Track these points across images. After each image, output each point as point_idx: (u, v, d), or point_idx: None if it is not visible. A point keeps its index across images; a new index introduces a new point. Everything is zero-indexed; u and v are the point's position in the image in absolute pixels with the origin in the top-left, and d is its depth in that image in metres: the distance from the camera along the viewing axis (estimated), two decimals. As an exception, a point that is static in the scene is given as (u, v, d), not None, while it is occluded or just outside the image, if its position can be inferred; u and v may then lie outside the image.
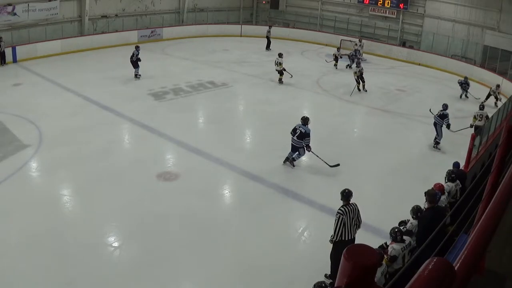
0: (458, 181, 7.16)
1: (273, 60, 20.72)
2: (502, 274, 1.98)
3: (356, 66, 16.07)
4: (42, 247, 6.68)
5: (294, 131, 9.40)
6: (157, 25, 24.27)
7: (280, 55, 16.30)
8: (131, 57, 15.73)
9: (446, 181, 7.17)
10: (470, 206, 2.55)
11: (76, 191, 8.69)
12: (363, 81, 15.87)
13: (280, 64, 16.19)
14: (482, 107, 12.19)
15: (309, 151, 9.43)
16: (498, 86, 15.95)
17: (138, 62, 15.77)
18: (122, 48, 21.28)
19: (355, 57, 19.10)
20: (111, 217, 7.74)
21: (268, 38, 22.86)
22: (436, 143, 11.29)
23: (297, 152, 9.56)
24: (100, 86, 14.85)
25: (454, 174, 7.26)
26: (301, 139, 9.27)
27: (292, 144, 9.48)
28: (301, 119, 9.49)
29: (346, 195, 5.97)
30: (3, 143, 10.34)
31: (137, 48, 15.84)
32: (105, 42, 21.24)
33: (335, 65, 19.51)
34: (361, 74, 15.76)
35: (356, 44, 21.88)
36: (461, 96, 16.22)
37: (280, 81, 16.46)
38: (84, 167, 9.35)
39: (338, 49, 20.06)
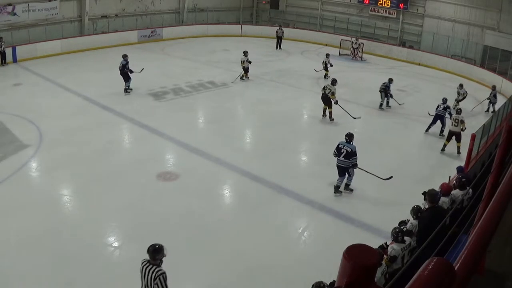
0: (470, 191, 6.30)
1: (273, 60, 20.81)
2: (502, 274, 1.98)
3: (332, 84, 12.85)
4: (42, 247, 6.68)
5: (338, 151, 8.43)
6: (157, 25, 24.28)
7: (245, 53, 16.35)
8: (122, 69, 13.99)
9: (455, 187, 6.83)
10: (470, 206, 2.55)
11: (76, 191, 8.69)
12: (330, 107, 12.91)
13: (243, 62, 16.30)
14: (459, 111, 11.17)
15: (356, 168, 8.57)
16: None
17: (130, 74, 14.11)
18: (122, 48, 21.27)
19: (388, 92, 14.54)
20: (111, 217, 7.74)
21: (279, 37, 23.14)
22: (442, 131, 12.00)
23: (347, 175, 8.62)
24: (100, 86, 14.84)
25: (466, 180, 6.67)
26: (348, 158, 8.37)
27: (338, 166, 8.51)
28: (346, 136, 8.54)
29: (151, 251, 4.64)
30: (3, 143, 10.33)
31: (125, 57, 14.07)
32: (105, 42, 21.24)
33: (326, 75, 17.58)
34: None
35: (352, 43, 21.90)
36: (488, 110, 14.67)
37: (242, 77, 16.53)
38: (84, 167, 9.35)
39: (328, 55, 17.96)
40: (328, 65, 17.71)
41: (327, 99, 12.78)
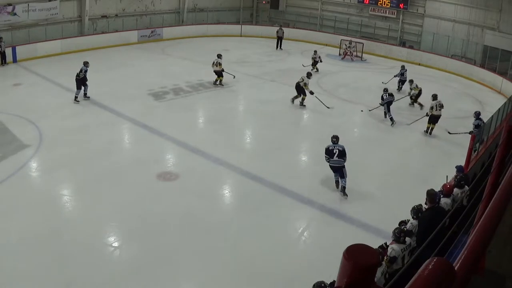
0: (467, 188, 6.69)
1: (273, 60, 20.81)
2: (502, 274, 1.98)
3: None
4: (42, 247, 6.68)
5: (330, 153, 8.58)
6: (157, 25, 24.28)
7: (219, 56, 15.67)
8: (78, 75, 13.39)
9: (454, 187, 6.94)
10: (470, 206, 2.55)
11: (76, 191, 8.69)
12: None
13: (220, 64, 15.48)
14: (435, 96, 12.07)
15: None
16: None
17: (86, 82, 13.53)
18: (122, 48, 21.32)
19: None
20: (111, 217, 7.74)
21: (279, 37, 23.13)
22: (386, 115, 12.79)
23: (344, 178, 8.66)
24: (100, 86, 14.81)
25: (464, 180, 6.82)
26: (341, 157, 8.56)
27: (333, 166, 8.66)
28: (333, 137, 8.83)
29: None
30: (3, 143, 10.33)
31: (86, 64, 13.54)
32: (105, 42, 21.23)
33: (316, 69, 18.45)
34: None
35: (346, 46, 21.86)
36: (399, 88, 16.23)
37: (218, 82, 15.72)
38: (84, 167, 9.34)
39: (315, 52, 18.94)
40: (318, 61, 18.59)
41: (301, 89, 13.87)
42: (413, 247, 5.45)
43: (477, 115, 11.33)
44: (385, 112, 13.11)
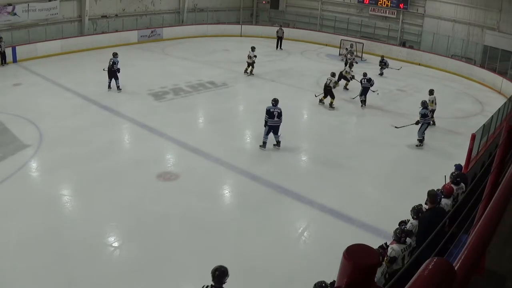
0: (462, 185, 6.88)
1: (273, 60, 20.80)
2: (502, 274, 1.98)
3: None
4: (42, 247, 6.68)
5: (270, 114, 10.09)
6: (157, 25, 24.29)
7: (253, 48, 17.16)
8: (111, 67, 14.07)
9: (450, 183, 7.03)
10: (470, 206, 2.55)
11: (76, 191, 8.69)
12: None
13: (250, 57, 17.12)
14: (432, 91, 12.68)
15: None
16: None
17: (118, 73, 14.15)
18: (122, 48, 21.27)
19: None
20: (111, 217, 7.73)
21: (279, 37, 23.23)
22: (363, 101, 13.69)
23: (274, 135, 10.32)
24: (100, 86, 14.81)
25: (460, 177, 6.95)
26: (279, 118, 10.18)
27: (273, 126, 10.19)
28: (272, 100, 10.28)
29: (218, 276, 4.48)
30: (3, 143, 10.33)
31: (115, 55, 14.15)
32: (105, 42, 21.22)
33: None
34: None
35: (349, 51, 21.87)
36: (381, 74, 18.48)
37: (249, 72, 17.35)
38: (84, 167, 9.34)
39: (347, 49, 20.05)
40: (348, 56, 19.52)
41: (328, 91, 14.03)
42: (413, 247, 5.45)
43: (424, 104, 11.30)
44: (362, 100, 14.10)
